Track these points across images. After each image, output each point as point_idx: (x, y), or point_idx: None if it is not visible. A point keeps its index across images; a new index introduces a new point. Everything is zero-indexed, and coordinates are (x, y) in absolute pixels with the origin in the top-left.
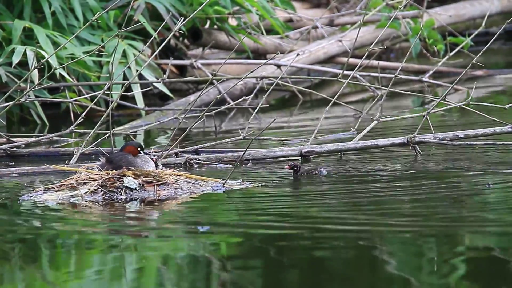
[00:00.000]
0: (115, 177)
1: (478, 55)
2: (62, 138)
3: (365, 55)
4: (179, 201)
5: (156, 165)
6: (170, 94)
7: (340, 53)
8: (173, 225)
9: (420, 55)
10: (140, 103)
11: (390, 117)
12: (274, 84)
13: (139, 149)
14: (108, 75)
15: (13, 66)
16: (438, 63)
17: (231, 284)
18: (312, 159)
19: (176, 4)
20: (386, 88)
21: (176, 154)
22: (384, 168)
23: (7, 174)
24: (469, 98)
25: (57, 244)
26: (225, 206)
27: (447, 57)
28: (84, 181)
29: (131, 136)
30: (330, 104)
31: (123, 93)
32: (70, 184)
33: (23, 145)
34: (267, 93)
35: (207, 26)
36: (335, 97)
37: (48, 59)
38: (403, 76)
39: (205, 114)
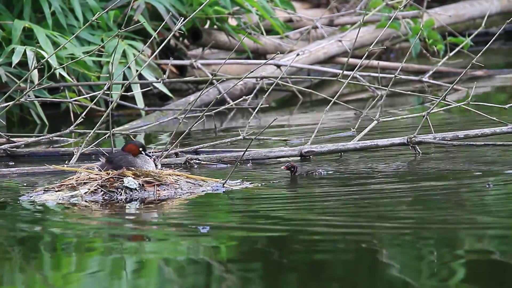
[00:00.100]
0: (115, 177)
1: (478, 55)
2: (62, 138)
3: (365, 55)
4: (179, 201)
5: (156, 165)
6: (170, 94)
7: (340, 53)
8: (173, 225)
9: (420, 55)
10: (140, 103)
11: (390, 117)
12: (274, 84)
13: (140, 148)
14: (108, 75)
15: (13, 66)
16: (438, 63)
17: (231, 285)
18: (312, 159)
19: (176, 4)
20: (386, 88)
21: (176, 154)
22: (384, 168)
23: (7, 174)
24: (469, 98)
25: (57, 244)
26: (225, 206)
27: (447, 57)
28: (84, 181)
29: (131, 136)
30: (330, 104)
31: (123, 93)
32: (70, 184)
33: (23, 145)
34: (267, 93)
35: (207, 26)
36: (335, 97)
37: (48, 59)
38: (403, 76)
39: (205, 114)
